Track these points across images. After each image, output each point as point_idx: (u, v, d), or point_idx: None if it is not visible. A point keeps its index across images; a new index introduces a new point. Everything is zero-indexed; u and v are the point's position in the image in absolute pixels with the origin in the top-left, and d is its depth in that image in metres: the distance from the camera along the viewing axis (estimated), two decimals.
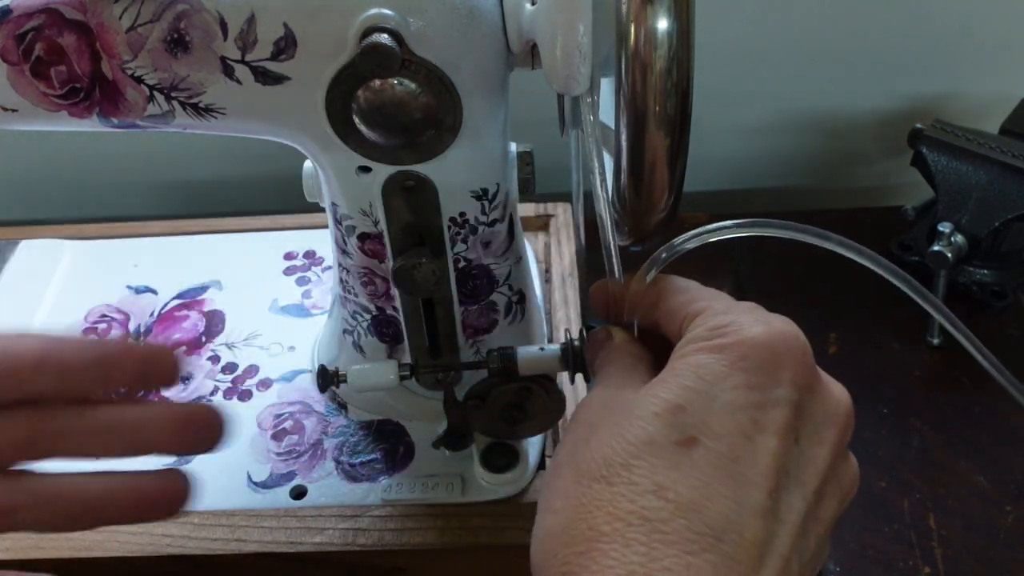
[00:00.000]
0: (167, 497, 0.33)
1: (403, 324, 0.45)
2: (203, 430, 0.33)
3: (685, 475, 0.27)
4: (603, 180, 0.34)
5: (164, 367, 0.32)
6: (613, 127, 0.31)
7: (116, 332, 0.56)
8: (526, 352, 0.39)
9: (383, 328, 0.46)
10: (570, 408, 0.48)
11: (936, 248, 0.60)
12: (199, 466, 0.48)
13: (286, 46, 0.34)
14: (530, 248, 0.56)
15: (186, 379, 0.53)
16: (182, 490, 0.33)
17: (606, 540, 0.26)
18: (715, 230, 0.33)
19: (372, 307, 0.45)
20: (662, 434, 0.27)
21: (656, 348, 0.34)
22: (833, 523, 0.30)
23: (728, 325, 0.29)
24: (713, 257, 0.34)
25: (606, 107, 0.34)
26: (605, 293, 0.36)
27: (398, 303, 0.44)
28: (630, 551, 0.26)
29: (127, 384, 0.32)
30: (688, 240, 0.33)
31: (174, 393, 0.52)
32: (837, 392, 0.30)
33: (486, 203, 0.41)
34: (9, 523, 0.31)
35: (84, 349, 0.31)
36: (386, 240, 0.41)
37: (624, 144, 0.31)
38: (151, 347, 0.36)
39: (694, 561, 0.25)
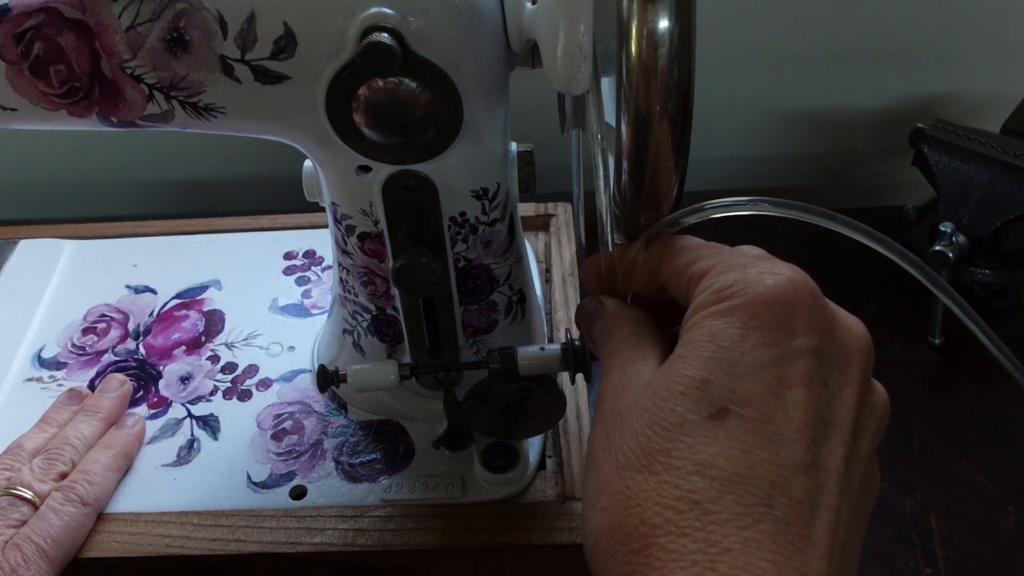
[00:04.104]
0: None
1: (403, 324, 0.44)
2: None
3: (723, 448, 0.26)
4: (605, 179, 0.34)
5: None
6: (614, 126, 0.31)
7: (115, 332, 0.56)
8: (526, 352, 0.39)
9: (383, 328, 0.46)
10: (570, 408, 0.48)
11: (937, 248, 0.59)
12: (199, 467, 0.48)
13: (286, 45, 0.34)
14: (530, 248, 0.56)
15: (186, 379, 0.52)
16: None
17: (661, 532, 0.26)
18: (717, 207, 0.32)
19: (372, 307, 0.45)
20: (693, 411, 0.27)
21: (654, 309, 0.34)
22: (873, 455, 0.29)
23: (733, 284, 0.29)
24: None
25: (607, 106, 0.34)
26: (597, 267, 0.35)
27: (398, 303, 0.44)
28: (688, 540, 0.25)
29: None
30: (688, 214, 0.32)
31: (175, 393, 0.52)
32: (854, 326, 0.30)
33: (486, 203, 0.41)
34: None
35: None
36: (386, 240, 0.41)
37: (625, 143, 0.31)
38: None
39: (751, 535, 0.25)
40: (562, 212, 0.62)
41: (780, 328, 0.28)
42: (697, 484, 0.26)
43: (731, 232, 0.35)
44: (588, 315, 0.35)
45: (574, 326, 0.53)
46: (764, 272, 0.29)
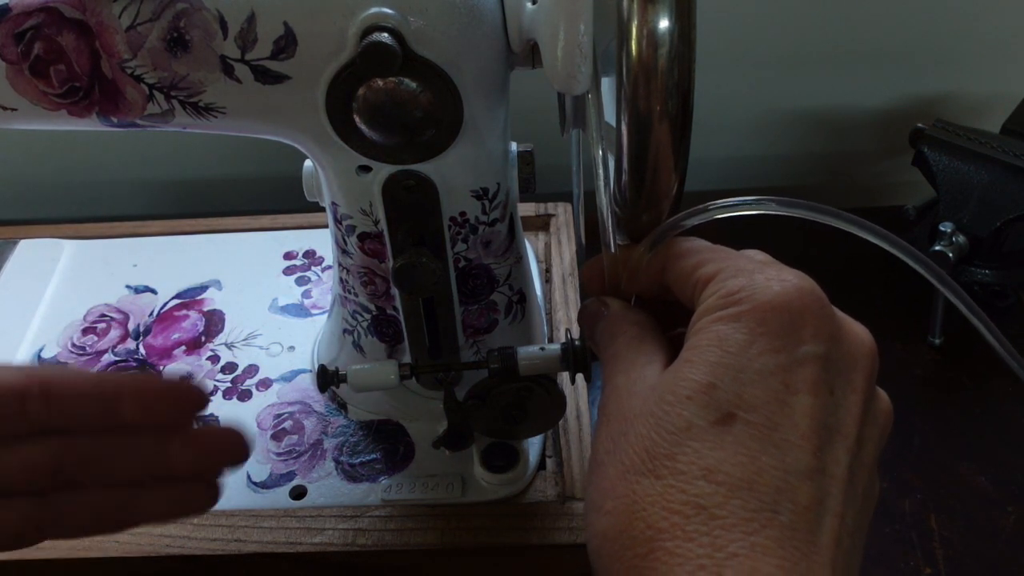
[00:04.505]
0: (196, 496, 0.34)
1: (403, 324, 0.44)
2: (226, 455, 0.34)
3: (730, 453, 0.26)
4: (605, 179, 0.34)
5: (182, 400, 0.33)
6: (614, 126, 0.31)
7: (115, 332, 0.56)
8: (526, 352, 0.39)
9: (383, 328, 0.46)
10: (570, 408, 0.48)
11: (937, 248, 0.59)
12: None
13: (286, 45, 0.34)
14: (530, 248, 0.56)
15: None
16: (213, 490, 0.34)
17: (667, 537, 0.26)
18: (721, 207, 0.32)
19: (372, 307, 0.45)
20: (699, 416, 0.27)
21: (657, 311, 0.34)
22: (876, 462, 0.30)
23: (741, 290, 0.29)
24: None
25: (607, 106, 0.34)
26: (599, 268, 0.35)
27: (398, 303, 0.44)
28: (693, 544, 0.25)
29: (141, 417, 0.32)
30: (692, 216, 0.32)
31: None
32: (860, 333, 0.30)
33: (486, 203, 0.41)
34: (38, 538, 0.33)
35: (78, 382, 0.32)
36: (386, 240, 0.41)
37: (625, 144, 0.31)
38: (163, 382, 0.35)
39: (757, 540, 0.25)
40: (562, 212, 0.62)
41: (787, 335, 0.28)
42: (703, 489, 0.26)
43: (731, 232, 0.35)
44: (591, 316, 0.35)
45: (574, 326, 0.54)
46: (772, 278, 0.29)
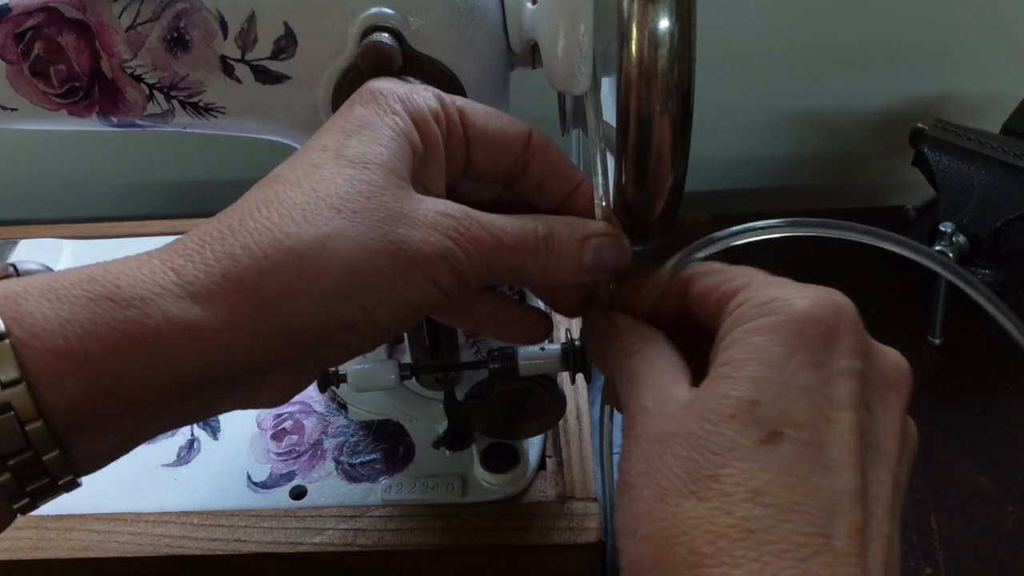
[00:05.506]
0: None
1: None
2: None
3: (778, 475, 0.25)
4: (605, 180, 0.34)
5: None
6: (615, 126, 0.31)
7: None
8: (526, 352, 0.39)
9: None
10: (570, 408, 0.48)
11: (938, 248, 0.59)
12: (199, 467, 0.48)
13: (286, 45, 0.34)
14: None
15: None
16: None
17: (712, 563, 0.24)
18: (761, 228, 0.31)
19: None
20: (744, 435, 0.26)
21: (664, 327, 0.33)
22: (907, 485, 0.29)
23: (774, 300, 0.28)
24: (709, 257, 0.33)
25: (607, 106, 0.34)
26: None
27: None
28: (741, 571, 0.24)
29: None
30: (732, 236, 0.31)
31: None
32: (893, 355, 0.29)
33: None
34: None
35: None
36: None
37: (626, 144, 0.31)
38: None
39: (809, 567, 0.24)
40: None
41: (826, 348, 0.27)
42: (751, 511, 0.25)
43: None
44: (599, 332, 0.34)
45: (574, 326, 0.54)
46: (805, 291, 0.28)
